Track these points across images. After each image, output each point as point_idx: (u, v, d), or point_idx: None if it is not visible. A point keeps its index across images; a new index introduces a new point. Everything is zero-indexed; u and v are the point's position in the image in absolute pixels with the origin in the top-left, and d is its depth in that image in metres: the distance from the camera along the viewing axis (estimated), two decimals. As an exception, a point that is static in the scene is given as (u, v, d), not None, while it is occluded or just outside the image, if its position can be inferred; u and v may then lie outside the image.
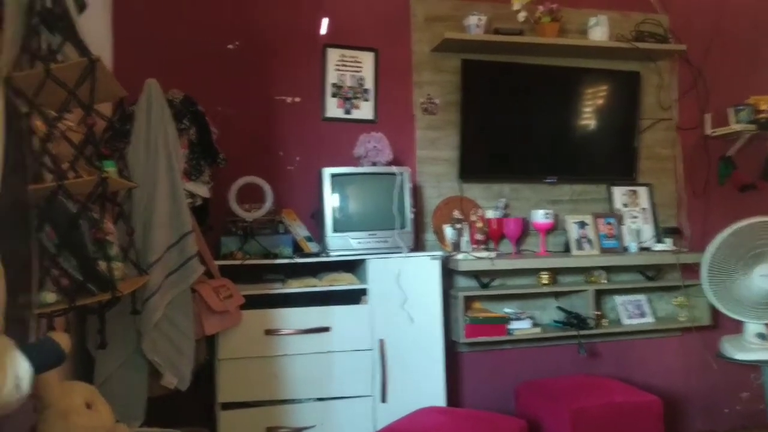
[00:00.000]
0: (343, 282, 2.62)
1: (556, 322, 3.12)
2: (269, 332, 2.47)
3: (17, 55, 1.58)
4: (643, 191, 3.45)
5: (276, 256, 2.63)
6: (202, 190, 2.49)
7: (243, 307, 2.44)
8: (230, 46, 2.97)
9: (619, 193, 3.40)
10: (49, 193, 1.53)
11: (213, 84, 2.89)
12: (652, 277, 3.30)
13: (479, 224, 3.05)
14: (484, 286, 3.01)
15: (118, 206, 1.90)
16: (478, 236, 3.04)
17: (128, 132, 2.13)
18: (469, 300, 2.97)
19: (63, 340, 1.02)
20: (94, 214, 1.64)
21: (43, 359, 0.89)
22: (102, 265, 1.59)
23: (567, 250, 3.18)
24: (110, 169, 1.73)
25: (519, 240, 3.19)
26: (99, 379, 2.02)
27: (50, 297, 1.49)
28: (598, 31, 3.31)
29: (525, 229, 3.19)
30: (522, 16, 3.20)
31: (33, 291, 1.48)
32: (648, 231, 3.38)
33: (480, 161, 3.18)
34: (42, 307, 1.51)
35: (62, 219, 1.54)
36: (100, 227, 1.57)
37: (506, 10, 3.23)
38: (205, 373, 2.43)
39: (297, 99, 3.05)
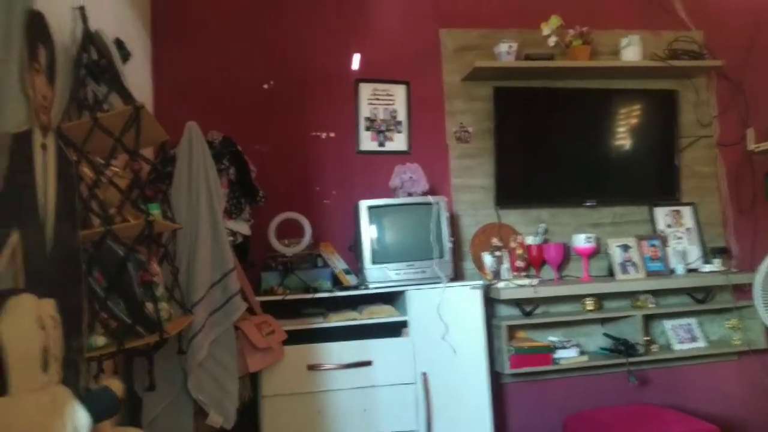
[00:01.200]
0: (383, 314, 2.61)
1: (603, 349, 3.02)
2: (311, 367, 2.46)
3: (66, 106, 1.65)
4: (687, 211, 3.36)
5: (316, 290, 2.64)
6: (243, 228, 2.53)
7: (284, 342, 2.45)
8: (265, 86, 3.04)
9: (661, 214, 3.32)
10: (97, 238, 1.58)
11: (250, 123, 2.96)
12: (701, 299, 3.18)
13: (519, 251, 3.01)
14: (527, 314, 2.95)
15: (162, 247, 1.94)
16: (519, 263, 2.99)
17: (170, 174, 2.19)
18: (512, 329, 2.91)
19: (116, 387, 1.03)
20: (141, 256, 1.67)
21: (100, 409, 0.91)
22: (149, 306, 1.62)
23: (611, 274, 3.10)
24: (155, 211, 1.77)
25: (561, 266, 3.13)
26: (146, 420, 2.04)
27: (100, 340, 1.52)
28: (631, 51, 3.28)
29: (566, 254, 3.13)
30: (552, 40, 3.21)
31: (83, 335, 1.51)
32: (694, 252, 3.28)
33: (516, 187, 3.15)
34: (92, 351, 1.54)
35: (110, 263, 1.58)
36: (147, 269, 1.60)
37: (536, 36, 3.24)
38: (249, 411, 2.43)
39: (332, 134, 3.09)
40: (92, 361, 1.60)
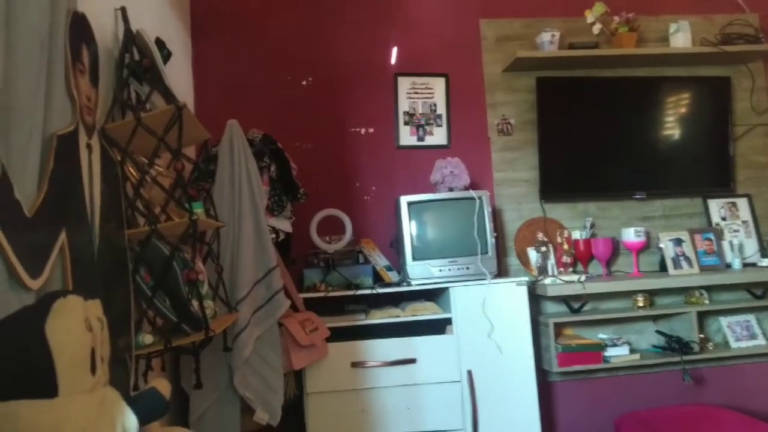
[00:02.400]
0: (427, 312, 2.57)
1: (655, 347, 2.91)
2: (355, 364, 2.44)
3: (110, 107, 1.66)
4: (742, 203, 3.20)
5: (358, 287, 2.61)
6: (285, 225, 2.52)
7: (327, 339, 2.43)
8: (304, 83, 3.03)
9: (716, 206, 3.17)
10: (143, 237, 1.59)
11: (290, 120, 2.95)
12: (760, 295, 3.02)
13: (565, 246, 2.92)
14: (575, 311, 2.86)
15: (206, 245, 1.95)
16: (565, 259, 2.90)
17: (213, 172, 2.20)
18: (558, 326, 2.82)
19: (164, 387, 1.02)
20: (186, 254, 1.67)
21: (148, 411, 0.90)
22: (194, 304, 1.62)
23: (662, 269, 2.98)
24: (199, 210, 1.77)
25: (609, 261, 3.02)
26: (194, 416, 2.05)
27: (148, 338, 1.53)
28: (680, 37, 3.14)
29: (615, 249, 3.03)
30: (597, 28, 3.11)
31: (131, 333, 1.52)
32: (751, 245, 3.12)
33: (562, 180, 3.06)
34: (140, 349, 1.55)
35: (156, 261, 1.59)
36: (192, 268, 1.60)
37: (580, 24, 3.15)
38: (295, 408, 2.42)
39: (371, 129, 3.06)
40: (141, 359, 1.61)
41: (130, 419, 0.82)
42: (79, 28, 1.43)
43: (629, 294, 2.94)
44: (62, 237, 1.21)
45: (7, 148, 1.06)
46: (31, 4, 1.14)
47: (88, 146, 1.42)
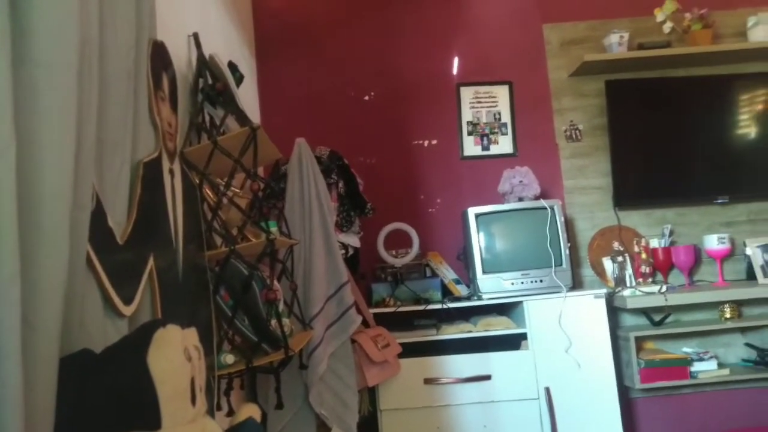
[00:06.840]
0: (500, 326, 2.50)
1: (745, 361, 2.73)
2: (428, 381, 2.40)
3: (187, 131, 1.70)
4: (837, 204, 2.98)
5: (427, 301, 2.58)
6: (353, 241, 2.52)
7: (399, 355, 2.40)
8: (366, 98, 3.04)
9: (807, 209, 2.96)
10: (222, 258, 1.61)
11: (354, 136, 2.96)
12: None
13: (644, 255, 2.79)
14: (656, 323, 2.72)
15: (280, 263, 1.96)
16: (644, 269, 2.77)
17: (283, 191, 2.22)
18: (639, 340, 2.69)
19: (256, 414, 1.02)
20: (262, 273, 1.68)
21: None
22: (273, 323, 1.62)
23: (750, 277, 2.80)
24: (273, 229, 1.79)
25: (691, 270, 2.87)
26: (271, 434, 2.06)
27: (230, 358, 1.54)
28: (760, 30, 2.97)
29: (697, 257, 2.87)
30: (668, 27, 2.99)
31: (214, 353, 1.54)
32: None
33: (636, 186, 2.94)
34: (222, 369, 1.56)
35: (236, 281, 1.60)
36: (270, 287, 1.61)
37: (649, 23, 3.03)
38: (368, 426, 2.40)
39: (434, 141, 3.04)
40: (222, 379, 1.63)
41: (231, 451, 0.82)
42: (159, 56, 1.47)
43: (714, 305, 2.77)
44: (150, 262, 1.23)
45: (101, 179, 1.08)
46: (119, 37, 1.17)
47: (171, 171, 1.45)
